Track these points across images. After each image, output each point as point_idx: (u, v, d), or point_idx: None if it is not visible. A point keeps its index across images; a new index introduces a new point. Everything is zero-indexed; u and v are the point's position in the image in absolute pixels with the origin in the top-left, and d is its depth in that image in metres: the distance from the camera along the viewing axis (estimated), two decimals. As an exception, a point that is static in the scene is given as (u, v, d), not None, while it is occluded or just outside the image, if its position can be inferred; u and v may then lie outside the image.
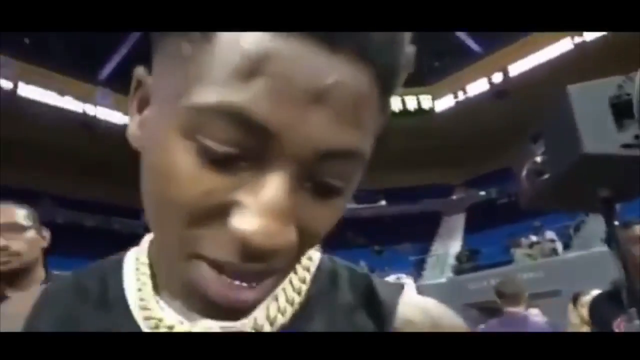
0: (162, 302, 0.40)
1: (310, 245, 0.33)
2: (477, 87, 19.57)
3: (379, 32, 0.29)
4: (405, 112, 20.65)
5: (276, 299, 0.40)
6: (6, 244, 1.36)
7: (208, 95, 0.27)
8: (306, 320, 0.41)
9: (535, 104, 18.82)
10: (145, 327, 0.39)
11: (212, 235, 0.30)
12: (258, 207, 0.28)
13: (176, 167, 0.29)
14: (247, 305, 0.32)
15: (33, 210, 1.49)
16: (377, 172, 20.79)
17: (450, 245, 18.14)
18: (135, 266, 0.43)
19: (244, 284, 0.31)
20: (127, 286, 0.42)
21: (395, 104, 20.39)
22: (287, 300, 0.41)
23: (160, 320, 0.39)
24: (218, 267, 0.30)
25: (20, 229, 1.42)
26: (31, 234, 1.44)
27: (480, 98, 19.32)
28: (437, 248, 18.61)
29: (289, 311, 0.41)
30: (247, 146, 0.28)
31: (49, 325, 0.41)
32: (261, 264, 0.30)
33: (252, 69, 0.27)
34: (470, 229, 18.45)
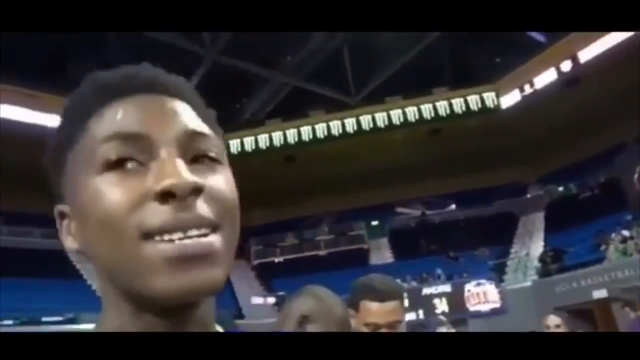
0: None
1: (224, 204, 0.43)
2: (545, 78, 18.66)
3: (184, 83, 0.48)
4: (468, 112, 20.12)
5: None
6: None
7: (103, 134, 0.42)
8: None
9: (610, 89, 17.63)
10: None
11: (151, 216, 0.39)
12: (166, 172, 0.40)
13: (101, 192, 0.41)
14: (215, 251, 0.40)
15: None
16: (444, 177, 20.40)
17: (531, 247, 17.28)
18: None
19: (194, 231, 0.39)
20: None
21: (457, 105, 19.93)
22: None
23: None
24: (162, 232, 0.39)
25: None
26: None
27: (549, 89, 18.40)
28: (517, 250, 17.79)
29: None
30: (137, 151, 0.42)
31: None
32: (193, 212, 0.40)
33: (119, 120, 0.43)
34: (551, 228, 17.49)
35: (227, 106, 22.58)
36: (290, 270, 18.06)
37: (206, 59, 19.62)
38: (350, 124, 20.76)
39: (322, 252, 19.85)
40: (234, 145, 20.81)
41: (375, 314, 1.41)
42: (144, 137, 0.42)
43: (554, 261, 14.25)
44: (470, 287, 14.30)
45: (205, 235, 0.40)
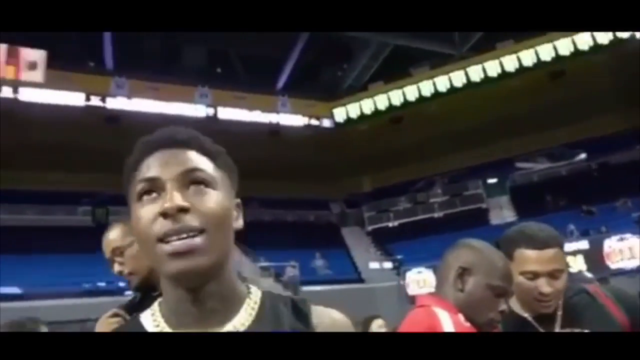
0: (168, 328, 0.71)
1: (209, 216, 0.67)
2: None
3: (192, 136, 0.74)
4: (596, 47, 17.73)
5: (232, 323, 0.71)
6: (120, 269, 1.48)
7: (139, 177, 0.71)
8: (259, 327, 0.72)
9: None
10: None
11: (156, 227, 0.67)
12: (167, 199, 0.67)
13: (137, 214, 0.69)
14: (199, 247, 0.66)
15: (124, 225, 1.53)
16: (570, 123, 18.29)
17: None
18: (149, 315, 0.74)
19: (184, 235, 0.66)
20: (148, 328, 0.73)
21: (582, 41, 17.67)
22: (240, 322, 0.71)
23: None
24: (165, 237, 0.66)
25: (121, 250, 1.51)
26: (132, 250, 1.49)
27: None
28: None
29: (242, 328, 0.71)
30: (155, 187, 0.69)
31: None
32: (182, 222, 0.66)
33: (149, 169, 0.71)
34: None
35: (328, 74, 22.59)
36: (405, 234, 17.86)
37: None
38: (458, 77, 19.56)
39: (437, 215, 19.26)
40: (339, 113, 20.82)
41: (534, 261, 1.33)
42: (158, 179, 0.69)
43: None
44: (611, 243, 12.95)
45: (191, 237, 0.66)
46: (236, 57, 20.87)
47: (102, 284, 13.57)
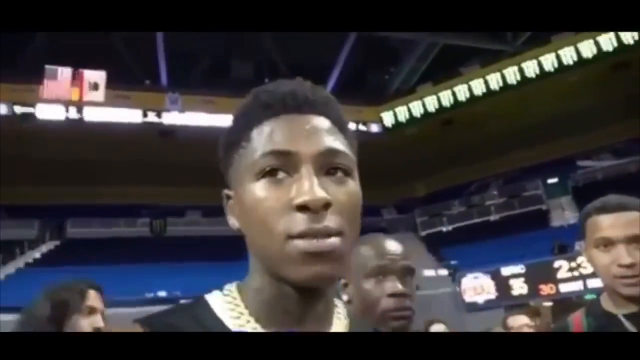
0: (257, 324, 0.58)
1: (348, 215, 0.55)
2: None
3: (329, 100, 0.60)
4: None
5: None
6: (102, 325, 1.53)
7: (262, 149, 0.56)
8: None
9: None
10: None
11: (292, 223, 0.53)
12: (304, 190, 0.53)
13: (258, 197, 0.55)
14: (335, 249, 0.53)
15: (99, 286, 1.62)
16: (636, 116, 17.02)
17: None
18: (224, 302, 0.60)
19: (322, 238, 0.53)
20: (222, 315, 0.59)
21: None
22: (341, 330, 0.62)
23: None
24: (302, 235, 0.52)
25: (102, 312, 1.56)
26: (102, 314, 1.57)
27: None
28: None
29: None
30: (285, 164, 0.55)
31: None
32: (324, 222, 0.53)
33: (273, 137, 0.56)
34: None
35: (375, 78, 22.42)
36: (460, 238, 17.30)
37: (350, 34, 19.69)
38: (511, 74, 18.82)
39: (493, 217, 18.53)
40: (387, 117, 20.59)
41: (606, 227, 1.15)
42: (291, 154, 0.55)
43: None
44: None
45: (330, 238, 0.53)
46: (283, 66, 21.18)
47: (162, 293, 14.13)
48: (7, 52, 17.37)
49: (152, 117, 18.70)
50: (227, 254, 16.34)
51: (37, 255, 16.13)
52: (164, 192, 18.72)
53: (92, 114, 17.74)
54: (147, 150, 18.11)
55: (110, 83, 17.86)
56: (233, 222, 0.60)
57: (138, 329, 0.56)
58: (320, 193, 0.52)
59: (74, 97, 17.56)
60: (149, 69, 19.55)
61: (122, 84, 18.19)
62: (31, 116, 17.04)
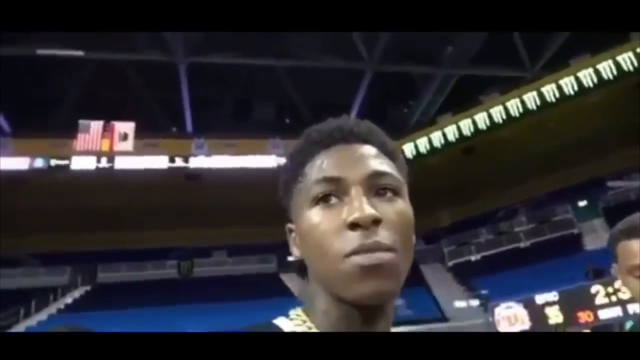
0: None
1: (399, 232, 0.57)
2: None
3: (372, 130, 0.65)
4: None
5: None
6: None
7: (315, 177, 0.60)
8: None
9: None
10: None
11: (346, 242, 0.56)
12: (354, 208, 0.56)
13: (313, 222, 0.58)
14: (389, 262, 0.55)
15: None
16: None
17: None
18: (294, 325, 0.62)
19: (375, 252, 0.55)
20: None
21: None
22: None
23: None
24: (356, 252, 0.55)
25: None
26: None
27: None
28: None
29: None
30: (336, 189, 0.59)
31: None
32: (375, 237, 0.55)
33: (324, 167, 0.60)
34: None
35: (395, 113, 22.66)
36: (489, 267, 16.82)
37: (367, 71, 20.14)
38: (530, 99, 18.70)
39: (523, 244, 17.98)
40: (409, 149, 20.63)
41: (638, 252, 1.10)
42: (341, 180, 0.59)
43: None
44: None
45: (384, 252, 0.55)
46: (303, 107, 21.74)
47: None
48: (42, 108, 18.58)
49: (179, 162, 19.35)
50: (253, 293, 16.43)
51: (69, 300, 16.54)
52: (190, 234, 19.12)
53: (122, 163, 18.51)
54: (174, 194, 18.66)
55: (139, 133, 18.71)
56: (295, 251, 0.64)
57: None
58: (369, 210, 0.56)
59: (104, 148, 18.44)
60: (175, 117, 20.42)
61: (150, 133, 19.00)
62: (65, 168, 17.91)
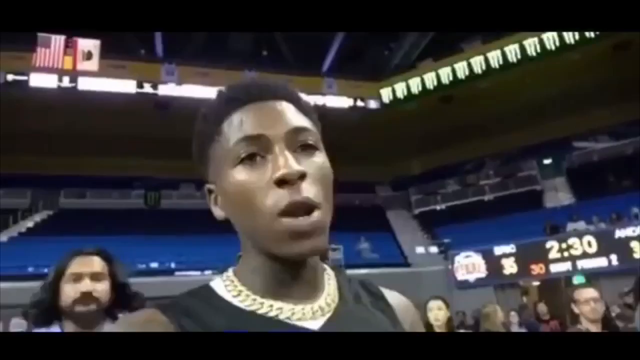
0: (259, 297, 0.62)
1: (322, 185, 0.59)
2: None
3: (287, 87, 0.65)
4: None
5: (324, 296, 0.65)
6: (91, 289, 1.54)
7: (235, 137, 0.60)
8: (344, 305, 0.66)
9: None
10: (259, 312, 0.61)
11: (276, 199, 0.57)
12: (279, 165, 0.57)
13: (239, 182, 0.59)
14: (319, 224, 0.57)
15: (113, 262, 1.66)
16: (636, 99, 16.89)
17: None
18: (223, 285, 0.64)
19: (306, 215, 0.57)
20: (225, 296, 0.63)
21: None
22: (330, 298, 0.65)
23: (270, 305, 0.61)
24: (287, 211, 0.56)
25: (100, 277, 1.59)
26: (106, 284, 1.59)
27: None
28: None
29: (333, 304, 0.65)
30: (259, 148, 0.59)
31: (189, 324, 0.59)
32: (304, 193, 0.57)
33: (244, 125, 0.60)
34: None
35: (375, 54, 22.10)
36: (453, 217, 17.37)
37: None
38: (512, 52, 18.52)
39: (487, 197, 18.55)
40: (386, 94, 20.37)
41: None
42: (262, 137, 0.59)
43: None
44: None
45: (312, 211, 0.57)
46: (282, 40, 20.84)
47: (154, 265, 14.23)
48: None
49: (147, 88, 18.46)
50: (220, 227, 16.39)
51: (30, 224, 16.16)
52: (158, 165, 18.66)
53: (86, 83, 17.50)
54: (142, 121, 17.95)
55: (104, 52, 17.57)
56: (219, 213, 0.64)
57: (159, 314, 0.58)
58: (296, 166, 0.57)
59: (67, 66, 17.30)
60: (145, 39, 19.22)
61: (116, 54, 17.90)
62: (24, 84, 16.82)
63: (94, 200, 17.91)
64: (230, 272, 0.66)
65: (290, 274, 0.62)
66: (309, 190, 0.57)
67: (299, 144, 0.60)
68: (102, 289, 1.56)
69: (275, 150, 0.58)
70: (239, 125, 0.60)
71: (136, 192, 18.98)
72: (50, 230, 15.17)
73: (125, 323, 0.62)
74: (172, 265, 14.09)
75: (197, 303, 0.61)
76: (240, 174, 0.58)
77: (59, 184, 17.53)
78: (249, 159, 0.59)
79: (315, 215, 0.57)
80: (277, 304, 0.61)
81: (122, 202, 18.23)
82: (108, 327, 1.48)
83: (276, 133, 0.59)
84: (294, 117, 0.61)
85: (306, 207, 0.57)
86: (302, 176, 0.57)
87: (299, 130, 0.60)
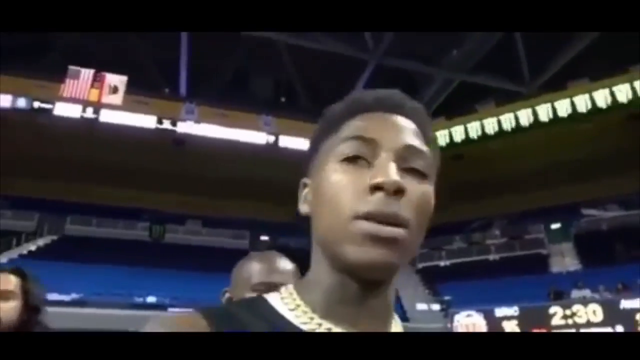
0: (317, 317, 0.56)
1: (419, 211, 0.53)
2: None
3: (421, 111, 0.60)
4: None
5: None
6: None
7: (347, 135, 0.56)
8: None
9: None
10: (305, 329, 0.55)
11: (361, 202, 0.52)
12: (380, 172, 0.52)
13: (334, 178, 0.54)
14: (398, 238, 0.51)
15: (28, 282, 1.57)
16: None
17: None
18: (280, 298, 0.59)
19: (388, 225, 0.51)
20: (279, 309, 0.57)
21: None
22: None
23: (319, 324, 0.55)
24: (369, 217, 0.51)
25: (9, 296, 1.50)
26: (15, 304, 1.51)
27: None
28: None
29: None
30: (367, 151, 0.55)
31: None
32: (395, 208, 0.51)
33: (360, 127, 0.57)
34: None
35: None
36: (457, 274, 17.09)
37: (370, 62, 20.00)
38: (525, 115, 18.81)
39: (492, 257, 18.28)
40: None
41: None
42: (374, 142, 0.55)
43: None
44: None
45: (398, 226, 0.51)
46: (301, 87, 21.54)
47: (151, 299, 14.16)
48: (33, 50, 18.05)
49: (166, 125, 19.06)
50: (222, 266, 16.38)
51: (33, 247, 16.28)
52: (166, 198, 18.97)
53: (107, 116, 18.16)
54: (157, 156, 18.43)
55: (130, 88, 18.34)
56: (304, 208, 0.61)
57: (199, 317, 0.53)
58: (396, 176, 0.52)
59: (92, 98, 18.06)
60: (170, 78, 20.06)
61: (141, 90, 18.65)
62: (48, 112, 17.52)
63: (99, 229, 18.11)
64: (289, 286, 0.61)
65: (358, 295, 0.55)
66: (402, 208, 0.52)
67: (409, 165, 0.55)
68: (8, 308, 1.48)
69: (381, 157, 0.54)
70: (356, 126, 0.57)
71: (142, 224, 19.18)
72: (52, 254, 15.28)
73: (165, 324, 0.53)
74: (167, 301, 14.01)
75: (244, 312, 0.56)
76: (338, 171, 0.55)
77: (67, 209, 17.84)
78: (353, 160, 0.55)
79: (398, 229, 0.51)
80: (337, 329, 0.55)
81: (127, 233, 18.39)
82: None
83: (389, 143, 0.55)
84: (414, 137, 0.57)
85: (393, 221, 0.51)
86: (399, 190, 0.52)
87: (412, 149, 0.55)
